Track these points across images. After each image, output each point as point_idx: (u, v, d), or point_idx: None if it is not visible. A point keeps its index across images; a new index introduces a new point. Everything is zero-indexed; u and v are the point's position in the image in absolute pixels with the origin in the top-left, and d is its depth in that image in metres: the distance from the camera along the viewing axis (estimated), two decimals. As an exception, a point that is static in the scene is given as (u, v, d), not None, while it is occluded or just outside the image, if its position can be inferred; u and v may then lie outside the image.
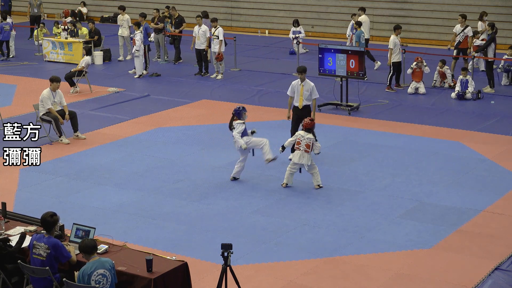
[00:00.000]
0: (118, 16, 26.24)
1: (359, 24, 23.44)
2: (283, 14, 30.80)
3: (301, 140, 13.79)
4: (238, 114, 14.22)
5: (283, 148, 14.27)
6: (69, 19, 27.39)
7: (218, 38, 22.87)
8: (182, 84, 22.48)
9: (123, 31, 25.64)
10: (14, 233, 10.06)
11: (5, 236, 9.88)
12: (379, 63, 24.08)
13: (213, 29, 23.20)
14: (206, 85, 22.42)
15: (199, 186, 14.24)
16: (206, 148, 16.47)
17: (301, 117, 15.08)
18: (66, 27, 26.63)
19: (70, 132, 17.18)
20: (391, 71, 21.28)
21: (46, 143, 16.60)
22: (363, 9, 25.36)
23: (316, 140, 13.89)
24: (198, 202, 13.48)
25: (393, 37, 21.25)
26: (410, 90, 21.01)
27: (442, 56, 22.73)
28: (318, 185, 13.98)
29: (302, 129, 13.98)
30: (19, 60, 26.39)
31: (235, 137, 14.17)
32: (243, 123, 14.21)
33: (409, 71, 21.19)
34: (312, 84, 15.58)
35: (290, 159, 14.37)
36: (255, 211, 13.03)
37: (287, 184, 14.08)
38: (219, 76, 23.17)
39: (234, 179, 14.48)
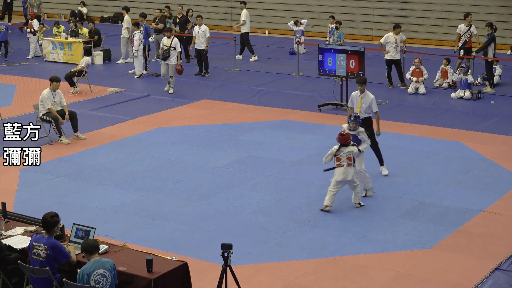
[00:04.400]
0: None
1: (339, 23, 24.87)
2: (283, 14, 30.79)
3: (340, 156, 12.72)
4: None
5: (327, 168, 13.27)
6: (35, 21, 27.19)
7: (174, 49, 21.13)
8: (182, 84, 22.47)
9: (123, 32, 25.62)
10: (14, 233, 10.09)
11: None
12: (256, 57, 25.53)
13: (165, 38, 21.35)
14: (206, 85, 22.42)
15: (199, 186, 14.24)
16: (206, 148, 16.48)
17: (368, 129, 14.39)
18: (31, 29, 26.58)
19: (70, 132, 17.18)
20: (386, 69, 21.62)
21: (46, 143, 16.60)
22: (244, 3, 26.09)
23: (360, 151, 13.06)
24: (198, 202, 13.48)
25: (388, 34, 21.53)
26: (410, 90, 21.03)
27: (442, 56, 22.74)
28: (359, 204, 13.07)
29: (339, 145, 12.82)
30: (19, 60, 26.40)
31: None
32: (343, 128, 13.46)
33: (408, 75, 21.26)
34: (372, 96, 14.49)
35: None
36: (255, 211, 13.03)
37: (329, 207, 12.88)
38: (170, 90, 21.44)
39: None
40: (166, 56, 21.13)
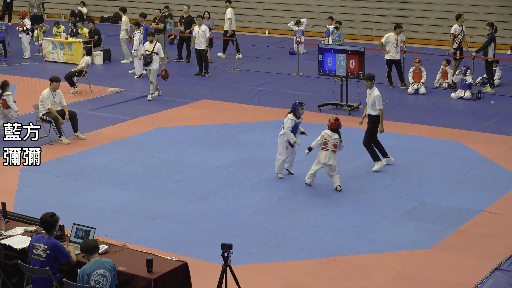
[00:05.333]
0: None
1: (339, 23, 24.96)
2: (283, 14, 30.80)
3: (328, 140, 13.73)
4: (293, 109, 14.25)
5: (310, 149, 14.07)
6: (26, 20, 27.14)
7: (157, 54, 20.61)
8: (182, 84, 22.48)
9: (121, 33, 25.68)
10: (14, 233, 10.09)
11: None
12: (240, 55, 25.87)
13: (147, 43, 20.78)
14: (206, 85, 22.42)
15: (199, 186, 14.24)
16: (206, 148, 16.48)
17: (367, 126, 14.89)
18: (24, 28, 26.57)
19: (70, 132, 17.18)
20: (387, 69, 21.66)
21: (46, 143, 16.60)
22: (229, 1, 26.51)
23: (341, 141, 13.83)
24: (198, 202, 13.48)
25: (388, 34, 21.57)
26: (410, 90, 21.03)
27: (442, 56, 22.75)
28: (339, 186, 13.87)
29: (328, 129, 13.84)
30: (19, 60, 26.41)
31: (286, 132, 14.22)
32: (294, 120, 14.20)
33: (410, 77, 21.27)
34: (377, 93, 14.72)
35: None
36: (255, 211, 13.03)
37: (310, 183, 14.03)
38: (155, 94, 20.92)
39: (288, 172, 14.69)
40: (148, 62, 20.51)
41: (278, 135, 14.47)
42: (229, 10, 26.03)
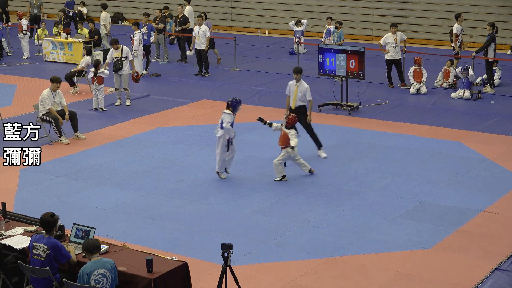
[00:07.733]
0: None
1: (340, 23, 25.06)
2: (283, 14, 30.81)
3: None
4: (234, 106, 14.40)
5: (270, 125, 14.71)
6: (24, 20, 27.11)
7: (126, 58, 19.99)
8: (182, 84, 22.48)
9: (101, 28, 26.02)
10: (14, 233, 10.09)
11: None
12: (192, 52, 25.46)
13: (113, 51, 19.98)
14: (206, 85, 22.42)
15: (199, 186, 14.24)
16: (206, 148, 16.47)
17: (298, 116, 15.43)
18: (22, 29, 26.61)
19: (70, 132, 17.18)
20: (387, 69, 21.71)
21: (46, 143, 16.60)
22: (188, 0, 26.95)
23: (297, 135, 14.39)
24: (198, 202, 13.48)
25: (387, 35, 21.61)
26: (412, 90, 21.02)
27: (442, 56, 22.75)
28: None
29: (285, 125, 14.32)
30: (18, 60, 26.41)
31: (225, 127, 14.23)
32: (232, 115, 14.35)
33: (410, 76, 21.25)
34: (307, 86, 15.64)
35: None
36: (255, 211, 13.03)
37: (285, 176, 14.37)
38: (117, 103, 20.22)
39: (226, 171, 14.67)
40: (118, 67, 19.84)
41: (217, 136, 14.37)
42: (187, 8, 26.51)
